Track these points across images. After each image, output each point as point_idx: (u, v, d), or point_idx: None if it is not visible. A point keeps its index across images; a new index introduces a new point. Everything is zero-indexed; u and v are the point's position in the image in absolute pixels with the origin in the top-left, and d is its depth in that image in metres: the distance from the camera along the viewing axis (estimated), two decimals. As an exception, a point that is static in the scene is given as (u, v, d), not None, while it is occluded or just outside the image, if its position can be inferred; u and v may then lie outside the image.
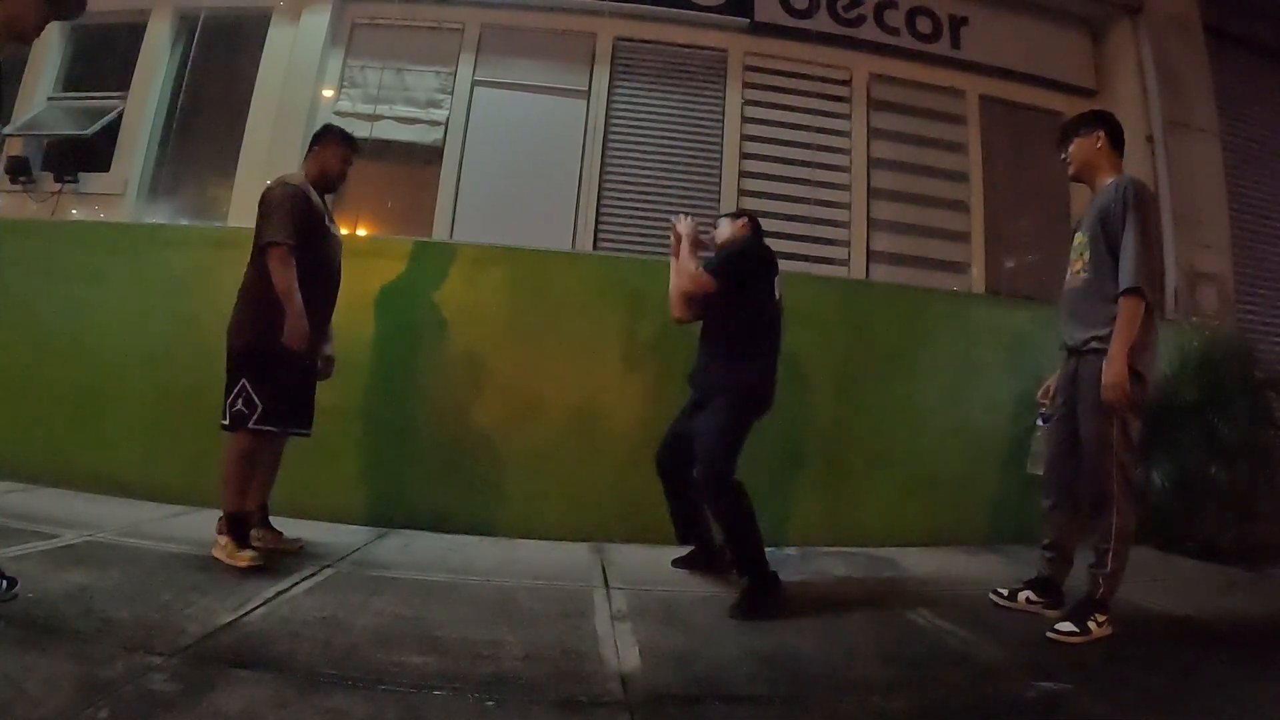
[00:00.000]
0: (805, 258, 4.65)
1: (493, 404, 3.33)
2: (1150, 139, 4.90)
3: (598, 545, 3.06)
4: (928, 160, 5.04)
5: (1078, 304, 2.27)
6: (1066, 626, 2.05)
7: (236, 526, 2.37)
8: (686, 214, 2.73)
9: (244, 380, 2.38)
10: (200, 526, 2.65)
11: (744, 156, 4.87)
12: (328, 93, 4.88)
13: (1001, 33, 5.20)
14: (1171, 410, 3.42)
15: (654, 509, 2.73)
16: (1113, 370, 2.05)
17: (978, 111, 5.14)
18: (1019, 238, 5.08)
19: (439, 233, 4.57)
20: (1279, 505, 3.49)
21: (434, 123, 4.81)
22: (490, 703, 1.46)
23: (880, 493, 3.47)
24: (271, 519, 2.61)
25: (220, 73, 5.02)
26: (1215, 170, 4.89)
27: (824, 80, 5.04)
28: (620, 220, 4.72)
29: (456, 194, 4.70)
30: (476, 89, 4.87)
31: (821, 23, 5.00)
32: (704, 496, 2.40)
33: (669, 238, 2.67)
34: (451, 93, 4.85)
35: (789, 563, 2.82)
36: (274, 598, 2.01)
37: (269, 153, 4.53)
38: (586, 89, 4.89)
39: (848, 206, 4.88)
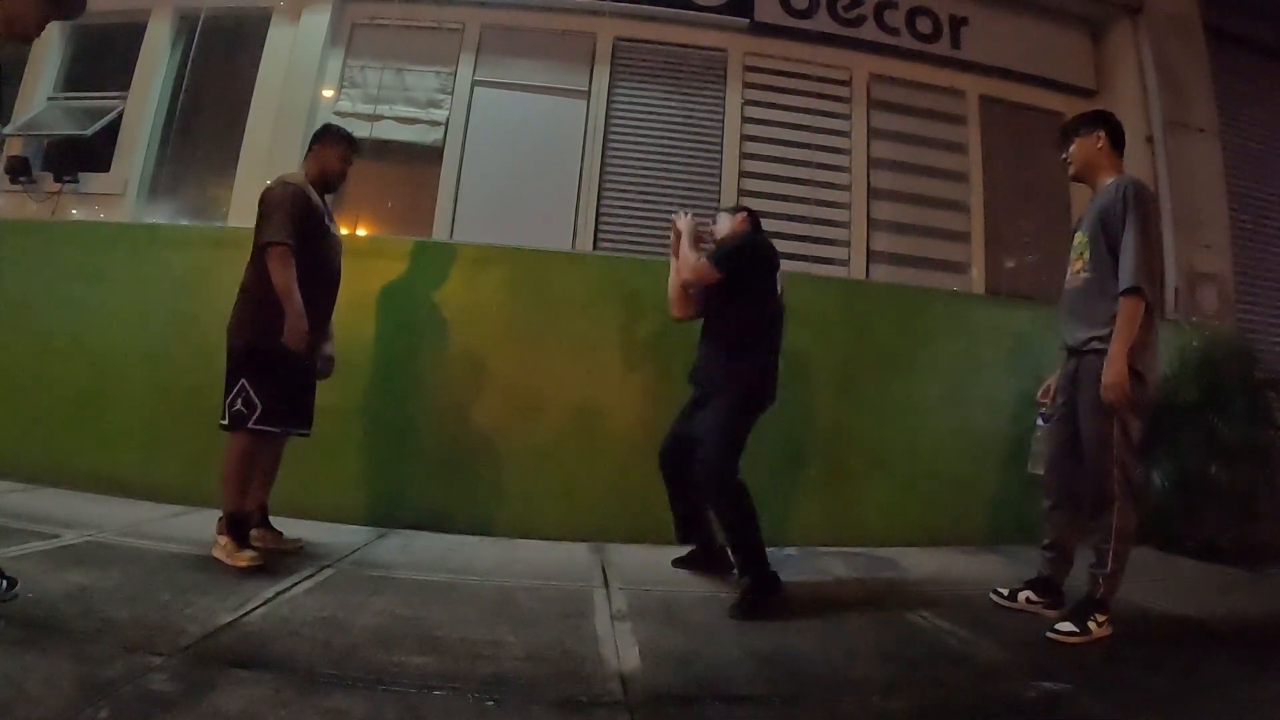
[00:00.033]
0: (805, 258, 4.64)
1: (493, 404, 3.33)
2: (1150, 139, 4.90)
3: (598, 545, 3.06)
4: (928, 160, 5.03)
5: (1078, 304, 2.28)
6: (1066, 626, 2.05)
7: (236, 526, 2.37)
8: (687, 210, 2.73)
9: (243, 380, 2.38)
10: (200, 526, 2.65)
11: (744, 156, 4.86)
12: (328, 93, 4.88)
13: (1001, 33, 5.20)
14: (1171, 410, 3.41)
15: (654, 509, 2.73)
16: (1113, 370, 2.05)
17: (978, 111, 5.14)
18: (1019, 238, 5.08)
19: (439, 233, 4.56)
20: (1279, 505, 3.49)
21: (434, 123, 4.81)
22: (490, 703, 1.46)
23: (880, 493, 3.47)
24: (271, 519, 2.61)
25: (220, 73, 5.02)
26: (1215, 170, 4.89)
27: (824, 80, 5.03)
28: (620, 220, 4.72)
29: (456, 194, 4.70)
30: (476, 89, 4.87)
31: (821, 23, 4.99)
32: (706, 495, 2.41)
33: (669, 237, 2.69)
34: (451, 93, 4.85)
35: (789, 563, 2.82)
36: (274, 598, 2.01)
37: (269, 153, 4.53)
38: (586, 89, 4.89)
39: (848, 206, 4.88)
